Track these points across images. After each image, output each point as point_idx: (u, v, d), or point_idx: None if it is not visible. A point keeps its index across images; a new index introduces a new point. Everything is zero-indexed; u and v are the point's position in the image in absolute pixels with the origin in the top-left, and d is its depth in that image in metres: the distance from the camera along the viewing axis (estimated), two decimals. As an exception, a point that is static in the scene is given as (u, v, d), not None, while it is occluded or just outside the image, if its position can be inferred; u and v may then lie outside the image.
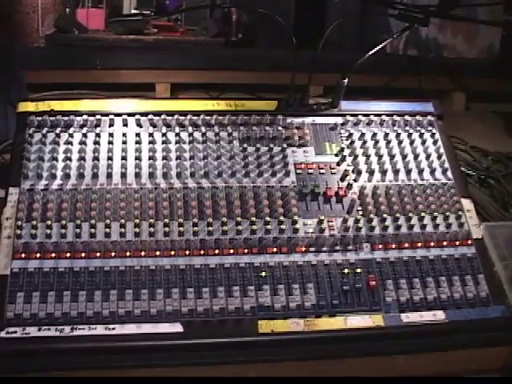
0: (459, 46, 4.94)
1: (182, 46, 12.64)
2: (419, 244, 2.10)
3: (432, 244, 2.12)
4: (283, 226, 2.04)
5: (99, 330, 1.81)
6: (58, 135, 2.15)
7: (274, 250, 2.00)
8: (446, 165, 2.29)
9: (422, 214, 2.15)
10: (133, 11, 16.00)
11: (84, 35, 15.40)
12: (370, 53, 2.26)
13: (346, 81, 2.30)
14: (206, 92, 2.68)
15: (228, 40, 12.62)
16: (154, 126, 2.20)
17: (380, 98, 2.51)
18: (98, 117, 2.20)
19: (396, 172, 2.24)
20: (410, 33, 7.47)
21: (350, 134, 2.29)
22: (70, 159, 2.10)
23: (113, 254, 1.93)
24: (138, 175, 2.08)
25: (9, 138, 2.52)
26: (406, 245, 2.09)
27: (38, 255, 1.92)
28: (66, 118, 2.19)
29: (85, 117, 2.20)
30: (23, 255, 1.92)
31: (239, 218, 2.03)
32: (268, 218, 2.04)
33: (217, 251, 1.97)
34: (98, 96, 2.66)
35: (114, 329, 1.82)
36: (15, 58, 2.65)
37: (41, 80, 2.69)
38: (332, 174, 2.20)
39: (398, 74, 2.85)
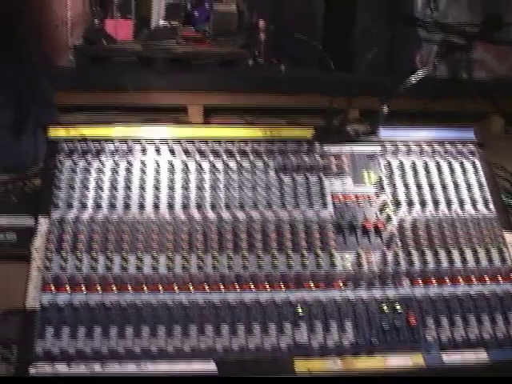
0: (492, 64, 4.87)
1: (211, 59, 12.65)
2: (460, 280, 2.03)
3: (473, 280, 2.04)
4: (320, 260, 1.98)
5: (131, 367, 1.76)
6: (89, 162, 2.10)
7: (311, 285, 1.94)
8: (488, 196, 2.23)
9: (463, 248, 2.09)
10: (161, 22, 16.07)
11: (112, 46, 15.48)
12: (411, 80, 2.19)
13: (385, 108, 2.22)
14: (240, 115, 2.62)
15: (254, 53, 12.64)
16: (187, 153, 2.15)
17: (417, 121, 2.43)
18: (130, 143, 2.15)
19: (436, 203, 2.17)
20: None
21: (389, 163, 2.22)
22: (101, 188, 2.05)
23: (145, 288, 1.88)
24: (171, 206, 2.03)
25: (38, 161, 2.47)
26: (447, 280, 2.02)
27: (68, 288, 1.88)
28: (98, 145, 2.14)
29: (117, 143, 2.15)
30: (53, 288, 1.87)
31: (275, 252, 1.97)
32: (305, 252, 1.98)
33: (252, 286, 1.91)
34: (130, 118, 2.62)
35: (146, 366, 1.76)
36: (45, 79, 2.61)
37: (71, 101, 2.65)
38: (370, 205, 2.13)
39: (433, 97, 2.77)
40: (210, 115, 2.67)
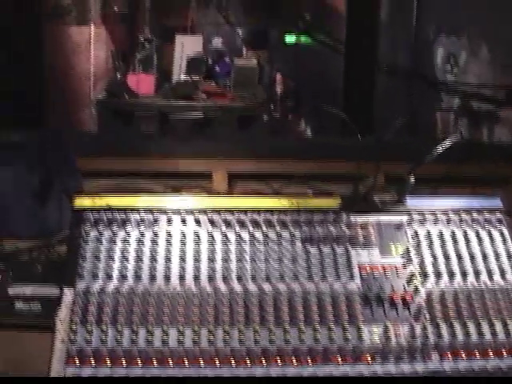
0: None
1: (232, 113, 12.74)
2: (490, 353, 1.98)
3: (504, 353, 1.99)
4: (348, 334, 1.95)
5: None
6: (114, 233, 2.09)
7: (339, 359, 1.89)
8: (517, 266, 2.17)
9: (493, 320, 2.05)
10: (182, 77, 16.22)
11: (134, 100, 15.65)
12: (438, 150, 2.18)
13: (412, 178, 2.21)
14: (265, 183, 2.61)
15: (270, 108, 12.72)
16: (213, 223, 2.13)
17: (440, 186, 2.41)
18: (156, 214, 2.15)
19: (464, 274, 2.13)
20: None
21: (416, 234, 2.20)
22: (126, 259, 2.04)
23: (170, 362, 1.85)
24: (196, 278, 2.01)
25: (63, 228, 2.46)
26: (477, 354, 1.98)
27: (93, 361, 1.85)
28: (123, 215, 2.13)
29: (142, 214, 2.14)
30: (77, 361, 1.85)
31: (302, 325, 1.94)
32: (332, 325, 1.95)
33: (279, 361, 1.87)
34: (153, 184, 2.62)
35: None
36: (68, 145, 2.61)
37: (94, 167, 2.64)
38: (398, 276, 2.10)
39: (457, 162, 2.75)
40: (234, 181, 2.68)
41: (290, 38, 17.17)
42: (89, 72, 14.70)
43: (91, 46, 14.68)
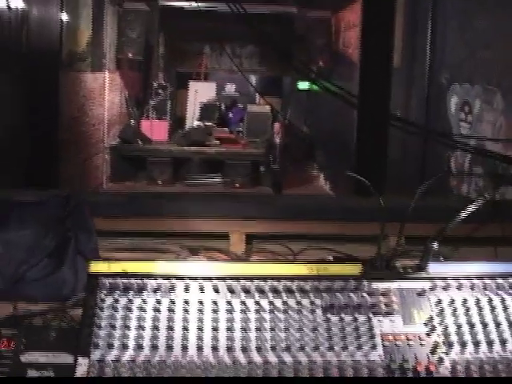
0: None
1: (245, 160, 12.76)
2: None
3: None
4: (371, 407, 1.87)
5: None
6: (130, 300, 2.04)
7: (362, 434, 1.83)
8: (546, 334, 2.10)
9: (521, 391, 1.96)
10: (195, 123, 16.30)
11: (147, 146, 15.77)
12: (462, 216, 2.13)
13: (435, 245, 2.16)
14: (283, 244, 2.59)
15: (269, 158, 12.76)
16: (231, 291, 2.08)
17: (463, 249, 2.37)
18: (173, 281, 2.10)
19: (490, 343, 2.06)
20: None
21: (440, 301, 2.14)
22: (142, 328, 1.98)
23: None
24: (215, 348, 1.95)
25: (77, 292, 2.41)
26: (505, 428, 1.89)
27: None
28: (140, 281, 2.08)
29: (159, 280, 2.10)
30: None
31: (324, 398, 1.86)
32: (354, 398, 1.87)
33: None
34: (169, 244, 2.60)
35: None
36: (84, 205, 2.59)
37: (110, 227, 2.63)
38: (421, 345, 2.03)
39: (480, 222, 2.71)
40: (251, 242, 2.65)
41: (303, 85, 17.29)
42: (103, 118, 14.87)
43: (105, 92, 14.86)
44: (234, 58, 18.20)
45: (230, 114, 18.06)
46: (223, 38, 17.19)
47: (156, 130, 16.39)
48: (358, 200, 3.05)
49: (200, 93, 17.66)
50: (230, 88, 19.41)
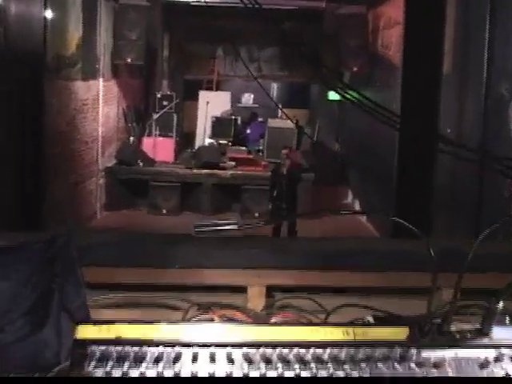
0: None
1: (266, 185, 12.70)
2: None
3: None
4: None
5: None
6: (125, 373, 1.98)
7: None
8: None
9: None
10: (207, 141, 16.34)
11: (150, 168, 15.74)
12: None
13: (501, 304, 2.10)
14: (312, 299, 2.54)
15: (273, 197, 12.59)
16: (249, 361, 2.02)
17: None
18: (178, 348, 2.05)
19: None
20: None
21: (508, 375, 2.06)
22: (140, 407, 1.92)
23: None
24: None
25: (60, 359, 2.35)
26: None
27: None
28: (137, 349, 2.03)
29: (161, 348, 2.04)
30: None
31: None
32: None
33: None
34: (172, 299, 2.55)
35: None
36: (72, 250, 2.53)
37: (102, 278, 2.58)
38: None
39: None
40: (273, 296, 2.60)
41: (335, 94, 17.27)
42: (97, 135, 14.89)
43: (99, 103, 14.90)
44: (251, 62, 18.24)
45: (248, 130, 18.11)
46: (238, 39, 17.25)
47: (160, 148, 16.43)
48: (401, 243, 2.99)
49: (212, 104, 17.70)
50: (248, 99, 19.53)
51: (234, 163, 15.88)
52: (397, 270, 2.62)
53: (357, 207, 16.73)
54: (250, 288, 2.54)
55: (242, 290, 2.60)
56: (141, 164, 15.60)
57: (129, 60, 15.97)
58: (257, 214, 14.65)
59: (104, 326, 2.08)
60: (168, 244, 2.92)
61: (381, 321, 2.31)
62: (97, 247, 2.71)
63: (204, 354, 2.04)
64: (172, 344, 2.06)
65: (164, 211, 15.20)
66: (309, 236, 9.91)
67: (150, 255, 2.71)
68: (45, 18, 10.71)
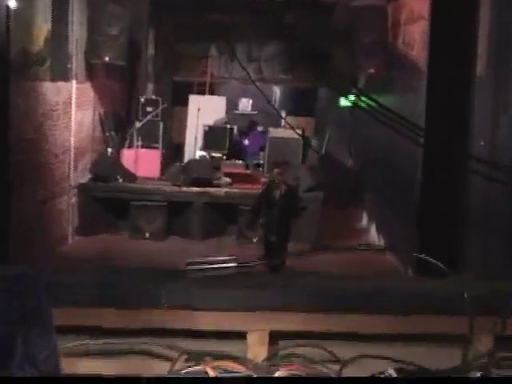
0: None
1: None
2: None
3: None
4: None
5: None
6: None
7: None
8: None
9: None
10: (198, 154, 16.31)
11: (131, 185, 15.65)
12: None
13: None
14: (323, 347, 2.51)
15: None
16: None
17: None
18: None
19: None
20: None
21: None
22: None
23: None
24: None
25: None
26: None
27: None
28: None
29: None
30: None
31: None
32: None
33: None
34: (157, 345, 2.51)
35: None
36: (40, 289, 2.50)
37: (80, 322, 2.55)
38: None
39: None
40: (277, 343, 2.57)
41: (347, 102, 17.21)
42: (68, 146, 14.74)
43: (72, 108, 14.78)
44: (249, 62, 18.22)
45: (246, 142, 18.08)
46: (235, 36, 17.23)
47: (143, 162, 16.38)
48: (428, 281, 2.95)
49: (204, 111, 17.65)
50: (246, 105, 19.45)
51: (229, 180, 15.83)
52: (423, 314, 2.60)
53: (372, 232, 16.57)
54: (249, 334, 2.53)
55: (240, 335, 2.59)
56: (120, 180, 15.48)
57: (107, 59, 15.80)
58: (255, 240, 14.38)
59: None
60: (153, 281, 2.87)
61: (404, 374, 2.27)
62: (69, 285, 2.68)
63: None
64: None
65: (147, 235, 15.07)
66: (318, 271, 9.81)
67: (131, 294, 2.68)
68: (7, 7, 10.63)
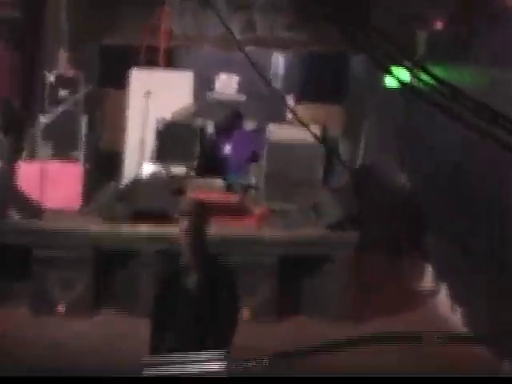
0: None
1: (266, 256, 12.00)
2: None
3: None
4: None
5: None
6: None
7: None
8: None
9: None
10: (147, 168, 15.33)
11: (34, 224, 14.97)
12: None
13: None
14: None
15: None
16: None
17: None
18: None
19: None
20: None
21: None
22: None
23: None
24: None
25: None
26: None
27: None
28: None
29: None
30: None
31: None
32: None
33: None
34: None
35: None
36: None
37: None
38: None
39: None
40: None
41: (396, 80, 16.32)
42: None
43: None
44: (234, 12, 17.26)
45: (228, 147, 17.09)
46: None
47: (54, 183, 15.34)
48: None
49: (158, 96, 16.62)
50: (228, 84, 18.60)
51: (199, 211, 14.83)
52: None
53: (442, 296, 15.83)
54: None
55: None
56: (16, 215, 14.56)
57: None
58: (246, 313, 13.64)
59: None
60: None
61: None
62: None
63: None
64: None
65: (61, 309, 14.27)
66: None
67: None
68: None
